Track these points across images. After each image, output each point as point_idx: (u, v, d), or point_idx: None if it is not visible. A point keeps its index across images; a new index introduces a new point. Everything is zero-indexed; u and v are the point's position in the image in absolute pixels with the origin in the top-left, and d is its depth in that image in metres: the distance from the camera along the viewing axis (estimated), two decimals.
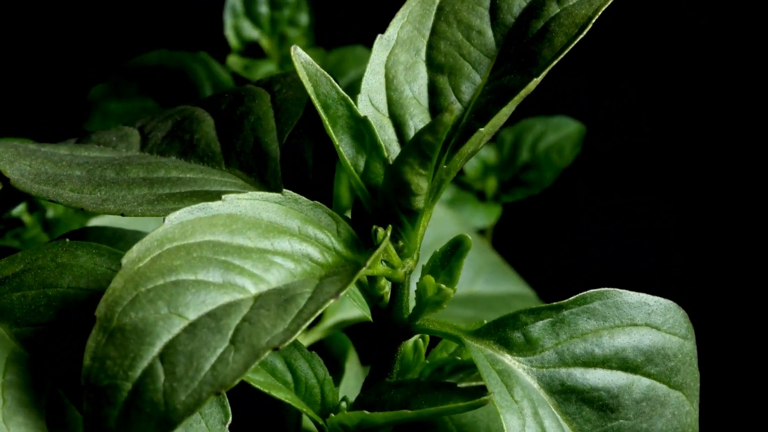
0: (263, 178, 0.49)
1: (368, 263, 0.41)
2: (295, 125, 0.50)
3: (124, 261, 0.39)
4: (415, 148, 0.43)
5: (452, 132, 0.47)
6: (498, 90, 0.47)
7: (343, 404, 0.48)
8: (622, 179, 1.07)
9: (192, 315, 0.38)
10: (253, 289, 0.40)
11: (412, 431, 0.50)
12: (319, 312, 0.39)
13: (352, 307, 0.68)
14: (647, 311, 0.46)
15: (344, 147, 0.46)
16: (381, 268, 0.45)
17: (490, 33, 0.49)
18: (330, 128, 0.46)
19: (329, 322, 0.69)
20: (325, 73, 0.46)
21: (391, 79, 0.49)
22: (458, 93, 0.49)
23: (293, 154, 0.49)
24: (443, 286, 0.46)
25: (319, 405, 0.48)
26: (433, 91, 0.49)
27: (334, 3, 0.90)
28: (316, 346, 0.67)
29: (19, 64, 1.05)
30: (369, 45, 0.78)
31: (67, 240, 0.46)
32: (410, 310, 0.47)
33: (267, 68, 0.81)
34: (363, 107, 0.48)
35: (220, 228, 0.41)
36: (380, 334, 0.48)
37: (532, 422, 0.44)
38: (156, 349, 0.38)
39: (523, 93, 0.46)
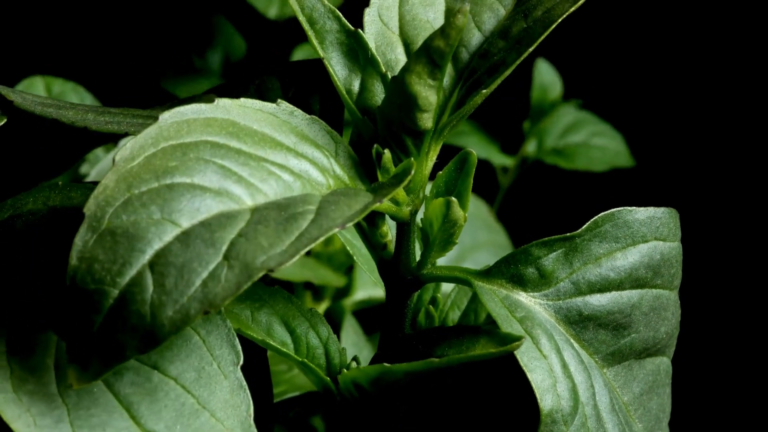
0: None
1: (383, 199, 0.37)
2: (300, 84, 0.48)
3: (116, 158, 0.36)
4: (424, 55, 0.39)
5: (470, 59, 0.44)
6: (526, 11, 0.44)
7: (354, 364, 0.44)
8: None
9: (185, 222, 0.35)
10: (249, 201, 0.37)
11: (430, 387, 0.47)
12: (322, 239, 0.35)
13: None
14: (656, 225, 0.44)
15: (335, 65, 0.43)
16: (384, 204, 0.41)
17: None
18: (317, 44, 0.42)
19: (357, 296, 0.66)
20: None
21: (404, 1, 0.46)
22: (479, 23, 0.45)
23: (299, 107, 0.47)
24: (453, 199, 0.41)
25: (324, 369, 0.44)
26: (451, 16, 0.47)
27: None
28: None
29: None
30: None
31: (60, 182, 0.42)
32: (417, 258, 0.44)
33: None
34: (370, 21, 0.45)
35: (217, 129, 0.38)
36: (388, 287, 0.45)
37: (562, 375, 0.41)
38: (146, 257, 0.35)
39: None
